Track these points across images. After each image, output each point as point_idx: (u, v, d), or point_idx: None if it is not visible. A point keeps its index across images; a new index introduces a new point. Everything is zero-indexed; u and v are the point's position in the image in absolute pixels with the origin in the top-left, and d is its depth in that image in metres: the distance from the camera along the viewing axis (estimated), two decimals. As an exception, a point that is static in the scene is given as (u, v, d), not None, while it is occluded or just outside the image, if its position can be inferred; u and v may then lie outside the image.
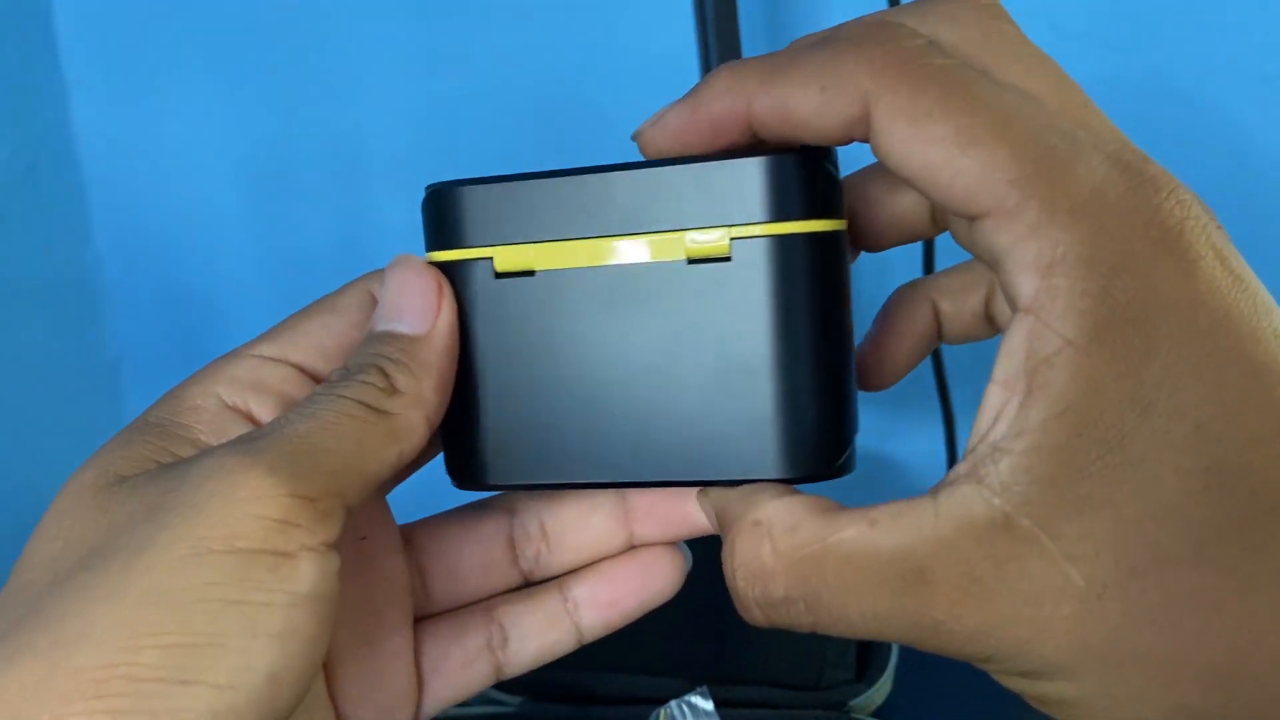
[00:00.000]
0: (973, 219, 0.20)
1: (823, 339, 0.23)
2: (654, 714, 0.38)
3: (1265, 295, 0.20)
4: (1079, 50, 0.58)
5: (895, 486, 0.64)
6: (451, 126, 0.64)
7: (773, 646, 0.48)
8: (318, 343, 0.26)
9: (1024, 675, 0.21)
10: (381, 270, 0.27)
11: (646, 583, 0.28)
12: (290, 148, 0.66)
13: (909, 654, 0.47)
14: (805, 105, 0.21)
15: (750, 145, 0.23)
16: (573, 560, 0.29)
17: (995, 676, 0.22)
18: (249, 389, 0.24)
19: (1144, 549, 0.19)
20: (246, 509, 0.20)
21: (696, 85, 0.23)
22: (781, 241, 0.23)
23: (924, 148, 0.20)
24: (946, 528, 0.20)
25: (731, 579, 0.22)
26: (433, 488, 0.30)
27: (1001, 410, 0.20)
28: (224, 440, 0.23)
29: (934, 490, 0.21)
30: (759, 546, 0.22)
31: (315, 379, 0.25)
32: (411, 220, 0.72)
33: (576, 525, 0.29)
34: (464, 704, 0.46)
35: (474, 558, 0.29)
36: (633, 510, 0.28)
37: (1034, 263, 0.19)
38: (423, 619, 0.29)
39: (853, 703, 0.44)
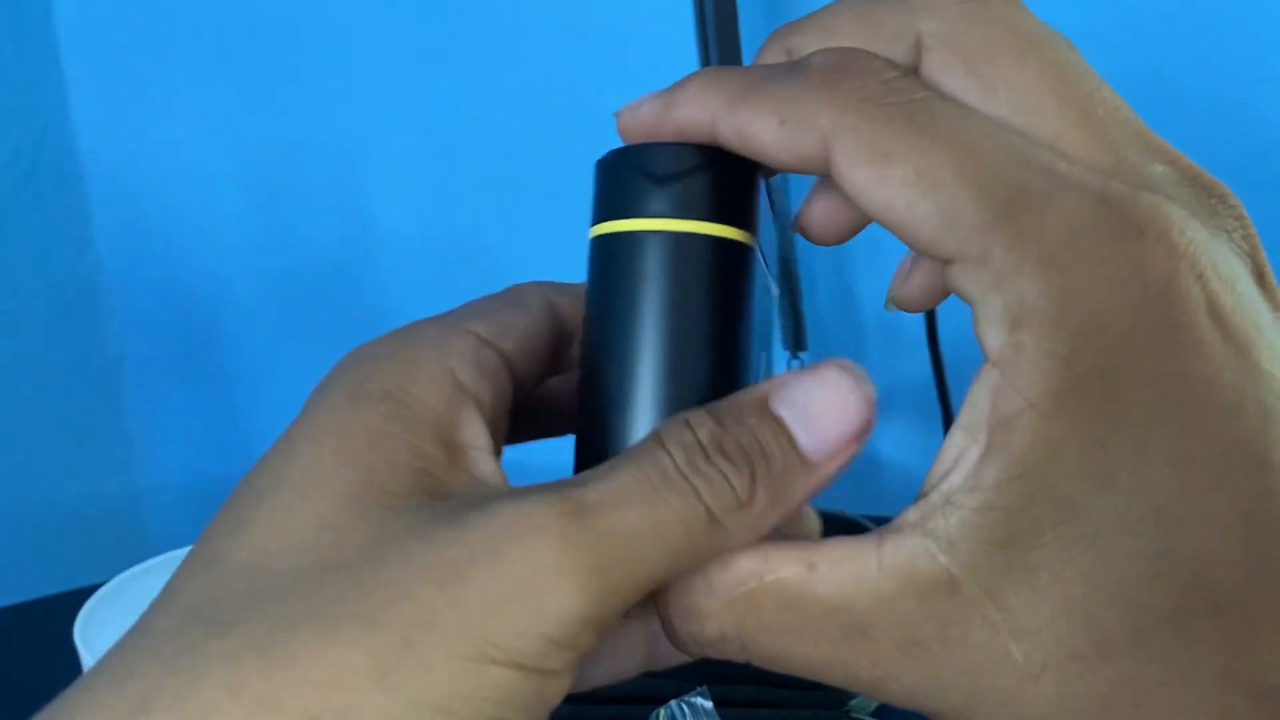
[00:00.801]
0: (945, 262, 0.19)
1: (637, 339, 0.21)
2: (654, 714, 0.38)
3: (1268, 357, 0.18)
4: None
5: (894, 486, 0.64)
6: (451, 128, 0.64)
7: (772, 646, 0.48)
8: (524, 335, 0.23)
9: None
10: (554, 283, 0.25)
11: None
12: (290, 148, 0.66)
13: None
14: (764, 135, 0.20)
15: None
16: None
17: None
18: (478, 373, 0.21)
19: (1086, 633, 0.18)
20: (541, 627, 0.18)
21: (674, 85, 0.22)
22: (621, 237, 0.22)
23: (885, 191, 0.19)
24: (889, 582, 0.19)
25: (665, 615, 0.21)
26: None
27: (960, 457, 0.19)
28: (469, 434, 0.21)
29: (879, 536, 0.19)
30: (692, 584, 0.20)
31: (517, 375, 0.23)
32: (411, 220, 0.72)
33: None
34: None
35: None
36: None
37: (1000, 316, 0.18)
38: None
39: (852, 702, 0.44)
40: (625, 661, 0.26)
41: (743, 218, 0.22)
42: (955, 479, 0.19)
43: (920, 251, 0.19)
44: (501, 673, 0.18)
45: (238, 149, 0.66)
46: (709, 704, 0.37)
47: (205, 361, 0.72)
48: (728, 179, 0.22)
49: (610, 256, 0.22)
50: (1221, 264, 0.18)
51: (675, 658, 0.26)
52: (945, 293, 0.24)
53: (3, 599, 0.60)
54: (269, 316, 0.70)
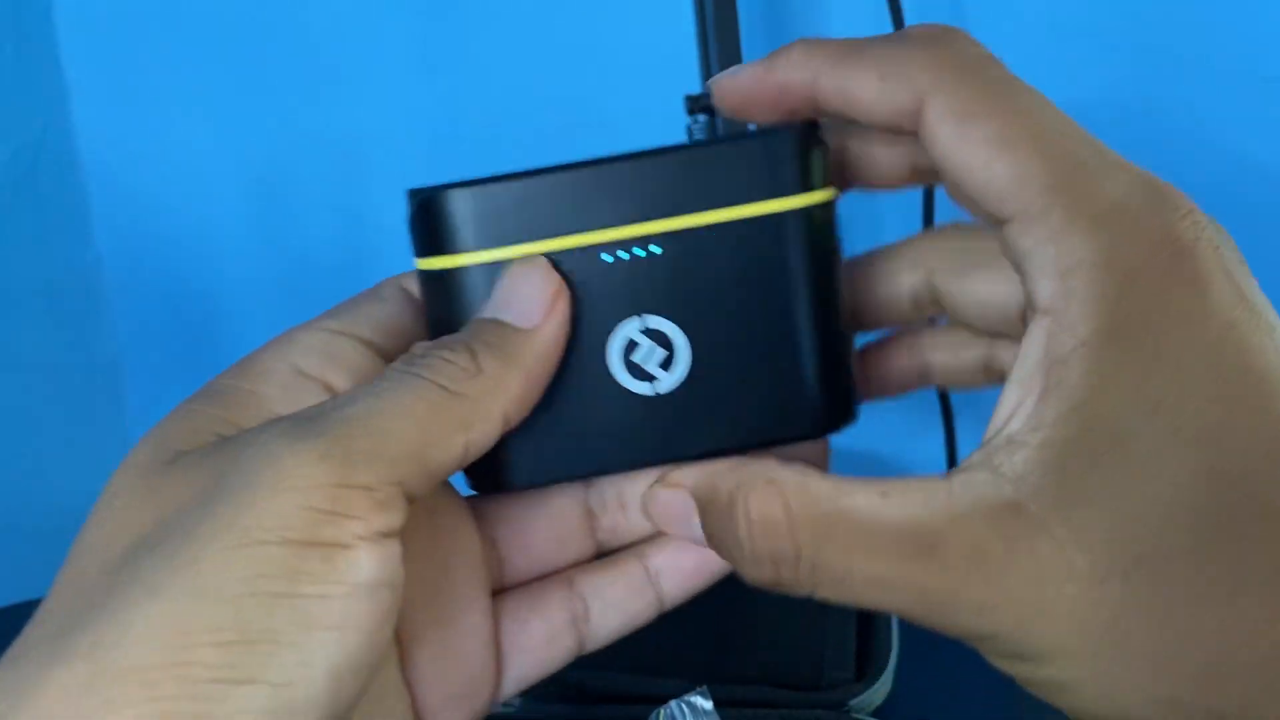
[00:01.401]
0: (1002, 223, 0.21)
1: None
2: (654, 714, 0.38)
3: (1270, 314, 0.21)
4: (1079, 51, 0.58)
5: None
6: (452, 128, 0.64)
7: (773, 646, 0.48)
8: (380, 322, 0.25)
9: (1020, 658, 0.21)
10: (408, 274, 0.27)
11: None
12: (290, 148, 0.66)
13: (909, 653, 0.47)
14: (864, 90, 0.22)
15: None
16: (650, 528, 0.28)
17: (989, 658, 0.22)
18: (324, 358, 0.24)
19: (1146, 542, 0.20)
20: (294, 499, 0.19)
21: (773, 52, 0.24)
22: None
23: (966, 147, 0.21)
24: (959, 504, 0.21)
25: (745, 534, 0.22)
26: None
27: (1017, 407, 0.21)
28: (295, 409, 0.22)
29: (947, 474, 0.21)
30: (774, 503, 0.22)
31: (384, 357, 0.25)
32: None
33: None
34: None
35: (549, 529, 0.28)
36: None
37: (1053, 266, 0.20)
38: (499, 594, 0.28)
39: (852, 702, 0.44)
40: (553, 647, 0.28)
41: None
42: (1016, 423, 0.21)
43: (981, 209, 0.22)
44: (269, 549, 0.19)
45: (238, 149, 0.66)
46: (709, 704, 0.37)
47: (205, 361, 0.72)
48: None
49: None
50: (1230, 248, 0.21)
51: (603, 639, 0.28)
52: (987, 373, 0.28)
53: (3, 599, 0.60)
54: (269, 316, 0.70)
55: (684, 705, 0.38)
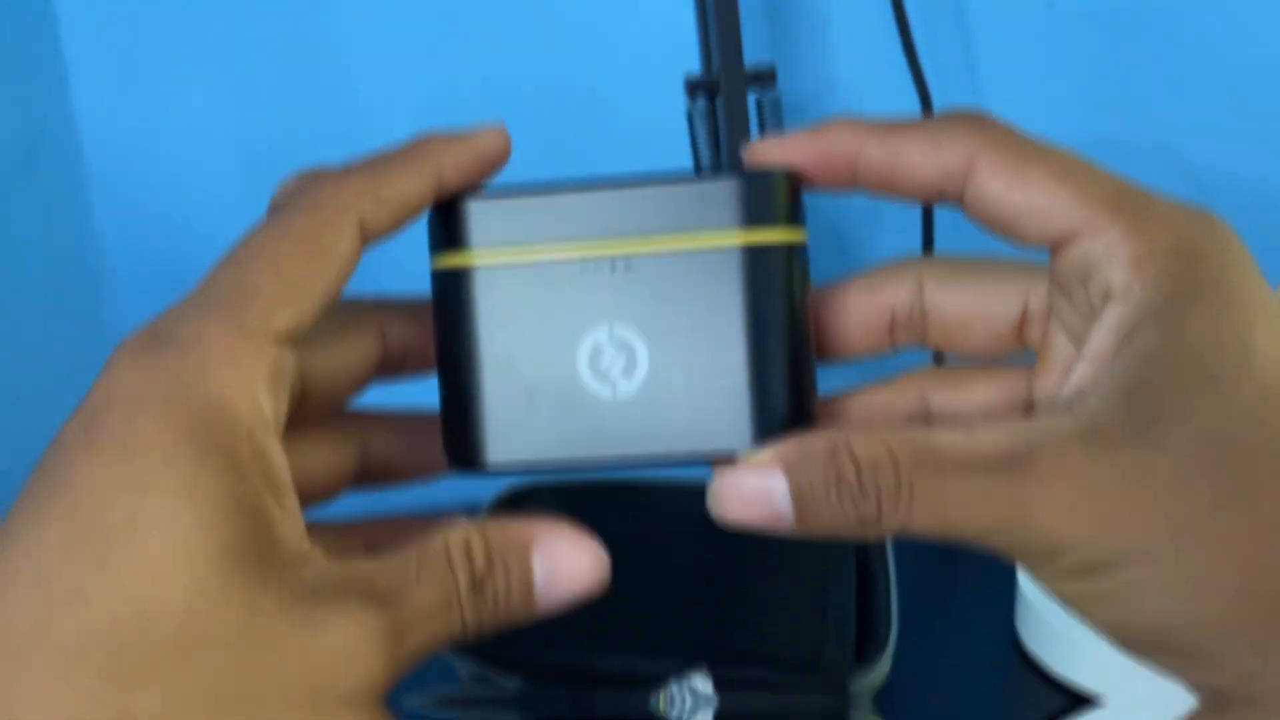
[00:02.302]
0: (1064, 242, 0.24)
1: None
2: (654, 698, 0.38)
3: None
4: (1078, 31, 0.58)
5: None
6: (454, 117, 0.64)
7: (772, 627, 0.48)
8: (336, 369, 0.30)
9: (1093, 570, 0.23)
10: (394, 305, 0.31)
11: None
12: (293, 137, 0.66)
13: (908, 635, 0.47)
14: (914, 152, 0.25)
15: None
16: None
17: (1057, 583, 0.24)
18: (275, 391, 0.25)
19: (1223, 448, 0.22)
20: (361, 688, 0.22)
21: (815, 125, 0.27)
22: None
23: (1024, 187, 0.24)
24: (1039, 431, 0.23)
25: (851, 475, 0.24)
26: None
27: (1088, 376, 0.24)
28: (279, 473, 0.24)
29: (1024, 418, 0.24)
30: (875, 443, 0.24)
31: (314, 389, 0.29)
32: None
33: None
34: (463, 689, 0.46)
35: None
36: None
37: (1126, 260, 0.23)
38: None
39: (852, 684, 0.45)
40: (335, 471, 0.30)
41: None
42: (1088, 383, 0.24)
43: (1045, 234, 0.25)
44: (333, 714, 0.22)
45: (240, 138, 0.66)
46: (709, 687, 0.38)
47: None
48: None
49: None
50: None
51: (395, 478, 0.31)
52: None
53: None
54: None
55: (684, 687, 0.38)
